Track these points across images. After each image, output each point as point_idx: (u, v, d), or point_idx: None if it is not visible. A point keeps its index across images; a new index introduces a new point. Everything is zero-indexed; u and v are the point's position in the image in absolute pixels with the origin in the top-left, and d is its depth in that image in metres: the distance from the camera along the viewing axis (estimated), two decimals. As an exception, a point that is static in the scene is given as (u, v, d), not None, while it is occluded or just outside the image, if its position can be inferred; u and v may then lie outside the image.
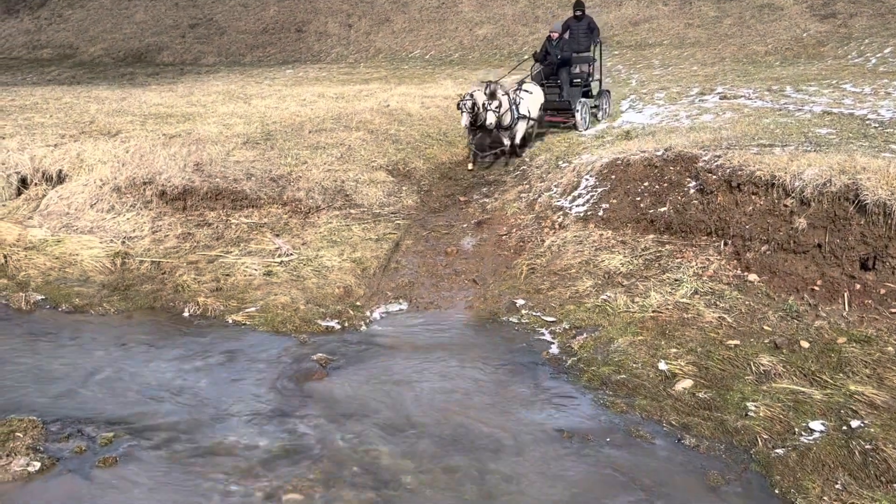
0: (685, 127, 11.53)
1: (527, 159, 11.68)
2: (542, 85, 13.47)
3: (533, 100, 12.60)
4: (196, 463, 5.51)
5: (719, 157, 8.85)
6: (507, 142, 12.24)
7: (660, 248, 8.62)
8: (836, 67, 16.47)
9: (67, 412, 6.15)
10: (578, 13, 13.79)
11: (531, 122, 12.54)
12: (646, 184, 9.34)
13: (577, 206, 9.76)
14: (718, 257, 8.19)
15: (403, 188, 11.57)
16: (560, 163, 11.12)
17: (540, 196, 10.43)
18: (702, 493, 5.20)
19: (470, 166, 12.45)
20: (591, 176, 10.01)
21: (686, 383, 6.49)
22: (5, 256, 9.67)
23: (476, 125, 11.83)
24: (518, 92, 12.37)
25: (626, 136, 11.66)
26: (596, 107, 14.17)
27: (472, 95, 11.78)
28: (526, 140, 12.72)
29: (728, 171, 8.53)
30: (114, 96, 16.79)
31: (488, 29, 24.55)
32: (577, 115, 13.44)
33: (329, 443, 5.80)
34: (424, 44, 24.40)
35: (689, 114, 12.77)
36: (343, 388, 6.77)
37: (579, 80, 13.78)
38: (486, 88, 11.97)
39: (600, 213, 9.39)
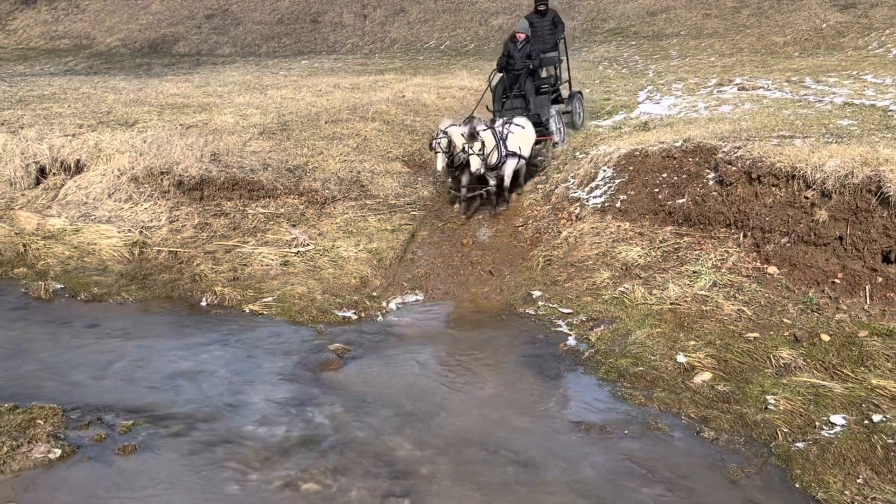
0: (704, 118, 11.43)
1: (543, 150, 11.58)
2: (503, 97, 11.57)
3: (525, 136, 10.69)
4: (214, 451, 5.53)
5: (739, 148, 8.76)
6: (492, 182, 10.30)
7: (678, 240, 8.55)
8: (856, 58, 16.27)
9: (87, 400, 6.19)
10: (542, 7, 12.35)
11: (521, 161, 10.60)
12: (664, 175, 9.27)
13: (594, 197, 9.71)
14: (737, 249, 8.12)
15: (419, 179, 11.54)
16: (577, 154, 11.05)
17: (556, 187, 10.38)
18: (721, 486, 5.17)
19: (456, 207, 10.69)
20: (608, 167, 9.95)
21: (705, 376, 6.45)
22: (25, 245, 9.74)
23: (454, 166, 10.09)
24: (508, 126, 10.52)
25: (644, 127, 11.57)
26: (569, 112, 12.65)
27: (446, 133, 9.88)
28: (517, 179, 10.75)
29: (748, 162, 8.44)
30: (131, 86, 16.85)
31: (503, 19, 24.44)
32: (553, 127, 11.74)
33: (346, 432, 5.81)
34: (440, 34, 24.34)
35: (708, 105, 12.65)
36: (359, 377, 6.78)
37: (547, 87, 12.13)
38: (465, 125, 10.12)
39: (618, 205, 9.33)
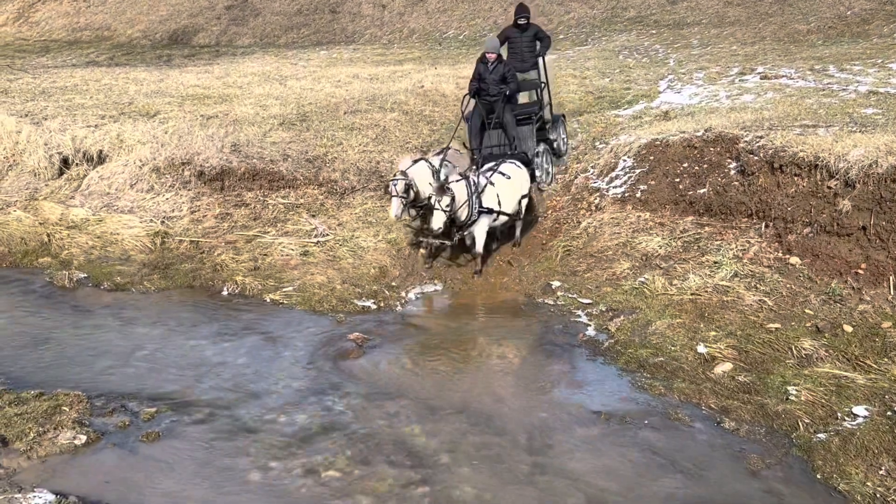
0: (725, 107, 11.32)
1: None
2: (480, 127, 9.90)
3: (510, 188, 8.86)
4: (236, 439, 5.59)
5: (761, 137, 8.68)
6: (456, 239, 8.69)
7: (699, 231, 8.50)
8: (881, 46, 16.02)
9: (111, 388, 6.28)
10: (522, 21, 10.59)
11: (501, 219, 8.83)
12: (685, 165, 9.20)
13: (614, 187, 9.66)
14: (759, 240, 8.06)
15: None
16: (597, 144, 11.00)
17: (576, 177, 10.33)
18: (742, 476, 5.15)
19: (421, 251, 9.14)
20: (628, 157, 9.89)
21: (725, 366, 6.42)
22: (48, 235, 9.87)
23: (418, 205, 8.69)
24: (490, 174, 8.79)
25: (665, 116, 11.48)
26: (552, 140, 10.87)
27: (405, 175, 8.50)
28: (490, 245, 9.05)
29: (770, 152, 8.36)
30: (152, 78, 16.95)
31: (523, 9, 24.32)
32: (537, 169, 10.15)
33: (366, 421, 5.85)
34: (458, 24, 24.26)
35: (729, 94, 12.52)
36: (379, 366, 6.82)
37: (529, 116, 10.36)
38: (433, 160, 8.88)
39: (638, 195, 9.28)
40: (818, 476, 5.12)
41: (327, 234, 9.51)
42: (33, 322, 7.68)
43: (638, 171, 9.60)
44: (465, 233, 8.64)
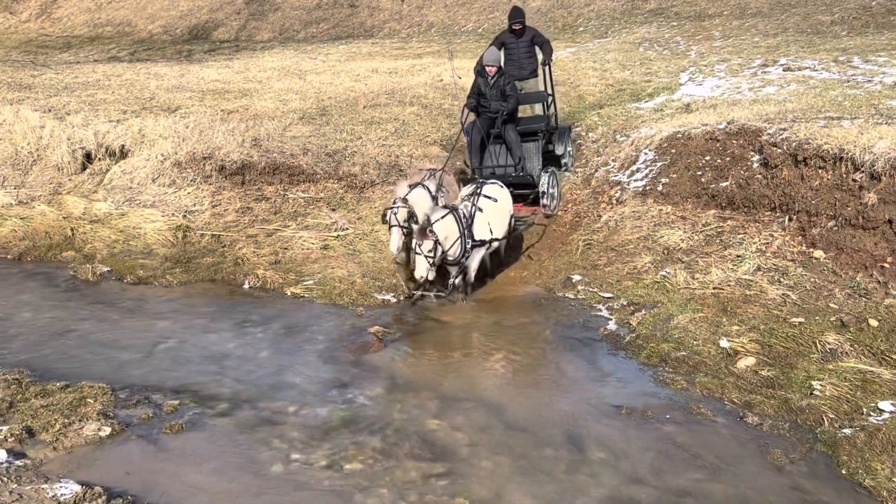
0: (748, 99, 11.20)
1: (582, 133, 11.44)
2: (481, 144, 9.31)
3: (497, 212, 8.09)
4: (258, 431, 5.62)
5: (784, 130, 8.58)
6: (453, 275, 7.89)
7: (721, 224, 8.43)
8: (907, 37, 15.78)
9: (134, 380, 6.33)
10: (517, 25, 10.04)
11: (493, 245, 8.14)
12: (707, 158, 9.12)
13: (635, 180, 9.60)
14: (782, 233, 7.97)
15: (457, 163, 11.52)
16: (617, 136, 10.92)
17: (596, 171, 10.27)
18: (766, 471, 5.11)
19: (408, 292, 8.08)
20: (649, 150, 9.82)
21: (749, 361, 6.37)
22: (72, 229, 9.98)
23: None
24: (475, 199, 7.95)
25: (687, 109, 11.38)
26: (559, 156, 10.21)
27: (405, 200, 7.69)
28: (487, 267, 8.44)
29: (794, 144, 8.26)
30: (172, 73, 17.06)
31: (542, 1, 24.17)
32: (544, 196, 9.41)
33: (387, 413, 5.86)
34: (477, 17, 24.18)
35: (752, 86, 12.38)
36: (399, 359, 6.85)
37: (536, 133, 9.66)
38: (430, 183, 8.16)
39: (659, 188, 9.22)
40: (843, 472, 5.07)
41: (347, 228, 9.54)
42: (58, 315, 7.77)
43: (659, 164, 9.53)
44: (459, 267, 7.77)
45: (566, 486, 4.98)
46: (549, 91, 10.17)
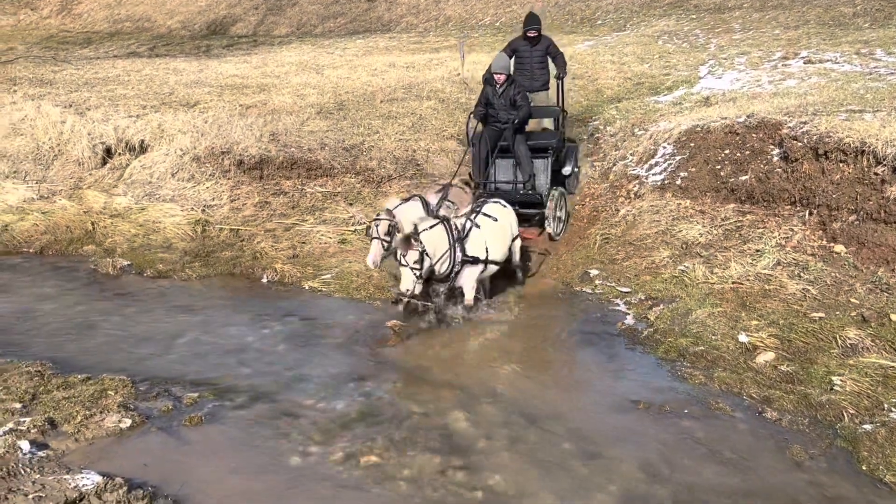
0: (768, 93, 11.09)
1: (600, 127, 11.37)
2: (487, 158, 8.73)
3: (497, 233, 7.55)
4: (276, 424, 5.65)
5: (805, 123, 8.49)
6: (440, 292, 7.35)
7: (740, 218, 8.36)
8: (931, 29, 15.55)
9: (154, 373, 6.39)
10: (532, 32, 9.51)
11: (489, 268, 7.48)
12: (726, 151, 9.05)
13: (653, 174, 9.54)
14: (802, 227, 7.90)
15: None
16: (636, 130, 10.85)
17: (615, 165, 10.22)
18: (785, 467, 5.08)
19: (399, 307, 7.59)
20: (668, 144, 9.75)
21: (768, 356, 6.32)
22: (93, 224, 10.08)
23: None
24: (473, 216, 7.45)
25: (706, 102, 11.29)
26: (567, 177, 9.67)
27: (389, 212, 7.35)
28: (483, 289, 7.68)
29: (814, 137, 8.18)
30: (191, 68, 17.15)
31: (560, -5, 24.05)
32: (548, 221, 8.89)
33: (404, 407, 5.88)
34: (495, 11, 24.10)
35: (772, 79, 12.26)
36: (416, 353, 6.85)
37: (546, 149, 9.09)
38: (432, 197, 7.86)
39: (678, 182, 9.16)
40: (863, 468, 5.02)
41: (364, 223, 9.56)
42: (79, 309, 7.86)
43: (678, 157, 9.47)
44: (450, 284, 7.25)
45: (583, 480, 4.98)
46: (562, 106, 9.78)
